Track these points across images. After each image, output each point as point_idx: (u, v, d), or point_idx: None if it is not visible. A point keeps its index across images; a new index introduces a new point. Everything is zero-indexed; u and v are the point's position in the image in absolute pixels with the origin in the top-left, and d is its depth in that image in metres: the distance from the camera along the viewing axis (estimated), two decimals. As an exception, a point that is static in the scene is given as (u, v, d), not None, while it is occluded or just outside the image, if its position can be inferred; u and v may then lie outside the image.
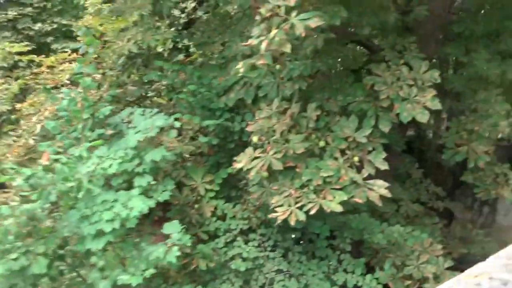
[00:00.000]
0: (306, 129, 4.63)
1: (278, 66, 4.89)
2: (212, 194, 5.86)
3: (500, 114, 6.33)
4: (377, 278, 5.87)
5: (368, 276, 5.89)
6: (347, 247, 6.27)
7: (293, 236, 6.31)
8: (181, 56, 8.69)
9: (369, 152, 4.62)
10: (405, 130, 9.38)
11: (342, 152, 4.55)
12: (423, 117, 4.26)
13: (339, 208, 4.25)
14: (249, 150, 4.72)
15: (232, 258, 5.86)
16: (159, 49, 8.91)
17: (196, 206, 5.71)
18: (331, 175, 4.32)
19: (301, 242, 6.85)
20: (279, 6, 3.20)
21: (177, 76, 5.58)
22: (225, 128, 5.59)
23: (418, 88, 4.40)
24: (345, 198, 4.31)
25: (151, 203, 4.38)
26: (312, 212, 4.24)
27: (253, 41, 3.06)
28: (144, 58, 6.10)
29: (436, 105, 4.33)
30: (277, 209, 4.42)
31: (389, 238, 6.34)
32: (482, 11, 6.71)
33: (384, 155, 4.61)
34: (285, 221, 4.53)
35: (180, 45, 9.66)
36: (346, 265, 6.06)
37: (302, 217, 4.29)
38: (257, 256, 5.90)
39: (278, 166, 4.45)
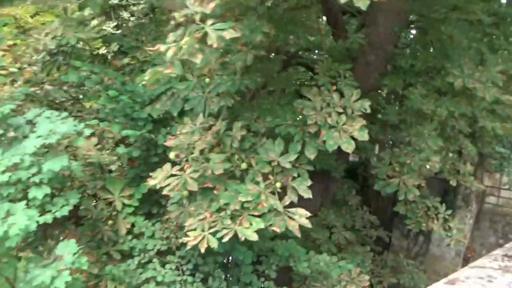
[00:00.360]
0: (230, 148, 4.35)
1: (207, 80, 4.62)
2: (130, 210, 5.41)
3: (432, 149, 6.40)
4: (298, 309, 5.64)
5: (289, 307, 5.64)
6: (272, 273, 6.00)
7: (219, 259, 5.96)
8: (125, 60, 8.22)
9: (294, 178, 4.39)
10: (346, 156, 9.37)
11: (265, 176, 4.29)
12: (349, 147, 4.09)
13: (254, 237, 3.95)
14: (166, 166, 4.35)
15: (147, 281, 5.41)
16: (103, 51, 8.38)
17: (109, 222, 5.22)
18: (250, 200, 4.04)
19: (227, 266, 6.52)
20: (196, 12, 2.92)
21: (101, 79, 5.14)
22: (148, 140, 5.19)
23: (348, 117, 4.25)
24: (263, 226, 4.04)
25: (47, 218, 3.87)
26: (225, 239, 3.92)
27: (160, 47, 2.74)
28: (67, 56, 5.59)
29: (364, 136, 4.19)
30: (189, 233, 4.07)
31: (315, 267, 6.15)
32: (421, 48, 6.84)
33: (309, 182, 4.39)
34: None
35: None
36: (268, 293, 5.78)
37: (214, 243, 3.96)
38: (174, 280, 5.47)
39: (193, 186, 4.11)
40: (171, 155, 4.37)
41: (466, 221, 12.78)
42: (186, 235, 4.12)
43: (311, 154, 4.28)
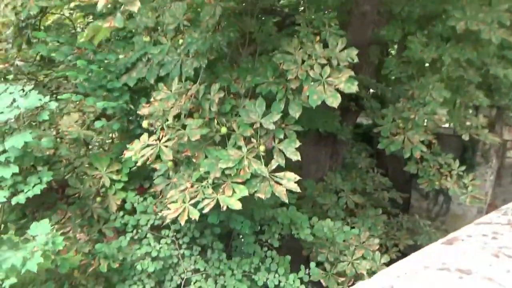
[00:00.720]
0: (209, 113, 4.04)
1: (181, 41, 4.29)
2: (120, 186, 5.22)
3: (437, 101, 5.94)
4: (300, 278, 5.42)
5: (292, 276, 5.42)
6: (275, 242, 5.78)
7: (216, 231, 5.76)
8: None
9: (281, 140, 4.08)
10: (353, 118, 8.95)
11: (248, 140, 3.99)
12: (334, 101, 3.71)
13: (238, 205, 3.69)
14: (143, 136, 4.09)
15: (142, 257, 5.28)
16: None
17: (98, 199, 5.05)
18: (231, 166, 3.75)
19: (227, 237, 6.33)
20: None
21: (72, 50, 4.86)
22: (128, 111, 4.93)
23: (333, 69, 3.86)
24: (247, 193, 3.76)
25: (20, 198, 3.70)
26: (206, 210, 3.67)
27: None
28: (33, 29, 5.30)
29: (352, 88, 3.80)
30: (170, 205, 3.84)
31: (318, 233, 5.90)
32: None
33: (297, 144, 4.06)
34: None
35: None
36: (270, 263, 5.56)
37: (195, 215, 3.72)
38: (170, 255, 5.32)
39: (168, 155, 3.84)
40: (144, 123, 4.10)
41: (487, 177, 12.28)
42: (168, 208, 3.90)
43: (295, 113, 3.93)
